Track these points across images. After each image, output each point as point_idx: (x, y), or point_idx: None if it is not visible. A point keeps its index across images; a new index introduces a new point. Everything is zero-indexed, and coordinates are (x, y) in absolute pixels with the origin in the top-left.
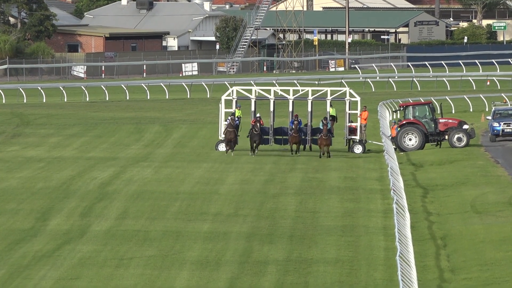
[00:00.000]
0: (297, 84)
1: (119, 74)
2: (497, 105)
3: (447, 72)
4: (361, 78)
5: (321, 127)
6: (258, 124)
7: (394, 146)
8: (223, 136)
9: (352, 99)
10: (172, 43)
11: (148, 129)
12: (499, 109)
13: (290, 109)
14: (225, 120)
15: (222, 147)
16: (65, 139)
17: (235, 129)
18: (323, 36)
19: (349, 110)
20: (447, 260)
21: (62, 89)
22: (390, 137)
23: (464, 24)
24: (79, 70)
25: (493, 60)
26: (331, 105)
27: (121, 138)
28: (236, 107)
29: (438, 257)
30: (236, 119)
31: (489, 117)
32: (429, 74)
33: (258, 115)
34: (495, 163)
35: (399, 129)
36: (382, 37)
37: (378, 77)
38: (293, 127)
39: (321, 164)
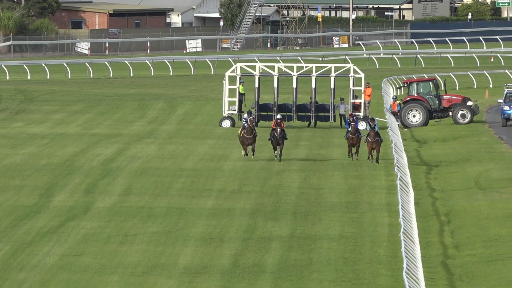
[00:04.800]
0: (301, 61)
1: (123, 50)
2: (510, 87)
3: (451, 48)
4: (365, 54)
5: (368, 129)
6: (279, 129)
7: (398, 123)
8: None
9: (356, 75)
10: (176, 19)
11: (152, 106)
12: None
13: (294, 85)
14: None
15: (226, 124)
16: (69, 116)
17: (254, 131)
18: (327, 13)
19: (353, 86)
20: (451, 236)
21: (66, 65)
22: (391, 111)
23: (468, 1)
24: (83, 47)
25: (497, 37)
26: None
27: (125, 115)
28: (239, 83)
29: (442, 234)
30: (250, 115)
31: (500, 100)
32: (433, 50)
33: (279, 116)
34: (499, 139)
35: (402, 105)
36: (386, 13)
37: (382, 54)
38: (350, 129)
39: (325, 140)
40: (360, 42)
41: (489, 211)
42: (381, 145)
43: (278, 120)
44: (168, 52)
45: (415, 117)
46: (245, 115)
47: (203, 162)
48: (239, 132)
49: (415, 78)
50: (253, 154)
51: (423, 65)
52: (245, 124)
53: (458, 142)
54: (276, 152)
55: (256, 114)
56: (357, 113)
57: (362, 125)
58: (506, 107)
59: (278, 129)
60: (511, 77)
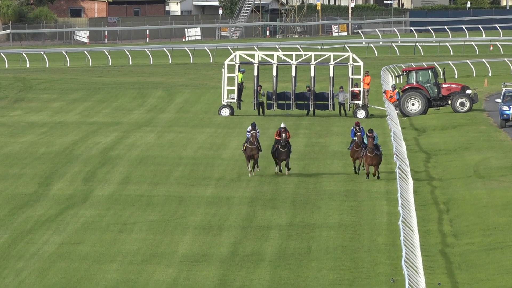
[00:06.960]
0: (300, 49)
1: (122, 39)
2: (508, 86)
3: (450, 37)
4: (364, 43)
5: (365, 142)
6: (283, 136)
7: (397, 111)
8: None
9: (355, 64)
10: (175, 8)
11: (151, 94)
12: (510, 91)
13: (293, 74)
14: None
15: (225, 112)
16: (68, 104)
17: (258, 144)
18: (326, 1)
19: (352, 75)
20: (450, 224)
21: (65, 54)
22: (389, 98)
23: None
24: (82, 35)
25: (496, 25)
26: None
27: (124, 103)
28: (239, 71)
29: (441, 222)
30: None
31: (498, 100)
32: (432, 39)
33: (282, 125)
34: (498, 128)
35: (400, 93)
36: (385, 1)
37: (381, 42)
38: (356, 139)
39: (324, 129)
40: (359, 31)
41: (488, 200)
42: (381, 158)
43: (282, 129)
44: (167, 41)
45: (414, 105)
46: (249, 128)
47: (202, 151)
48: (242, 146)
49: (414, 66)
50: (258, 168)
51: (422, 54)
52: (249, 136)
53: (457, 130)
54: (277, 168)
55: (255, 103)
56: (356, 102)
57: (361, 114)
58: (505, 108)
59: (284, 136)
60: (510, 66)
